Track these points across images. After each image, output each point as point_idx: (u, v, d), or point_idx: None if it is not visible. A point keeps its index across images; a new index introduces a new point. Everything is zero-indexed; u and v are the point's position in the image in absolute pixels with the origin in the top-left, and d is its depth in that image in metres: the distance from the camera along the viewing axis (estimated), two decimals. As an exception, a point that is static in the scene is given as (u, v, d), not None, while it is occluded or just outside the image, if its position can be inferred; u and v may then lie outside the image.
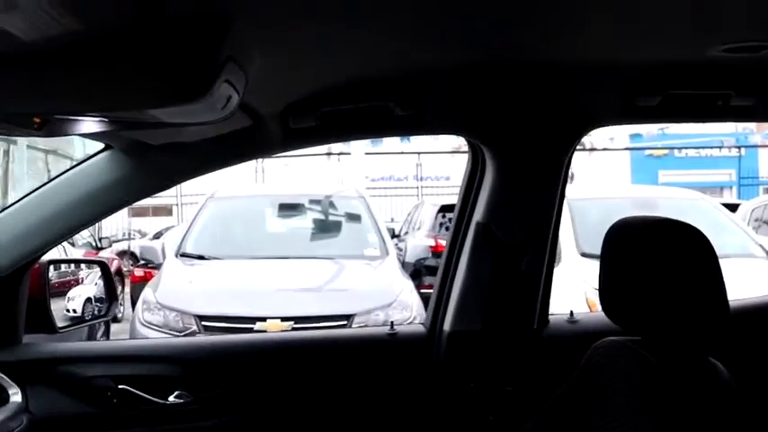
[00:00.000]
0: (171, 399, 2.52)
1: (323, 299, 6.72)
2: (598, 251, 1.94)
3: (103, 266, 2.99)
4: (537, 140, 2.50)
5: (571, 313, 2.74)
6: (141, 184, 2.43)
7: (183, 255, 7.62)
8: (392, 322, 2.78)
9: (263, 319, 6.21)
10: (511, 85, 2.39)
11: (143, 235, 23.33)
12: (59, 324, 2.67)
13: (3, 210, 2.44)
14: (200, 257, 7.58)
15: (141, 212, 26.66)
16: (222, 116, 1.64)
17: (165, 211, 27.34)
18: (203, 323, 6.29)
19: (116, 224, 25.18)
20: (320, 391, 2.61)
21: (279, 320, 6.19)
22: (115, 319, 11.72)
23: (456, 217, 2.69)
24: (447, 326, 2.62)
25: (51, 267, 2.75)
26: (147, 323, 6.49)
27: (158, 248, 8.16)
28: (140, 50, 1.37)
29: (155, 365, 2.57)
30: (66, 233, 2.45)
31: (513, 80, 2.36)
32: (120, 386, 2.51)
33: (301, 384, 2.61)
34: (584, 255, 7.20)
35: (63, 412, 2.50)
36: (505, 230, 2.54)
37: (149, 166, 2.38)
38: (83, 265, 4.65)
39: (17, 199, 2.44)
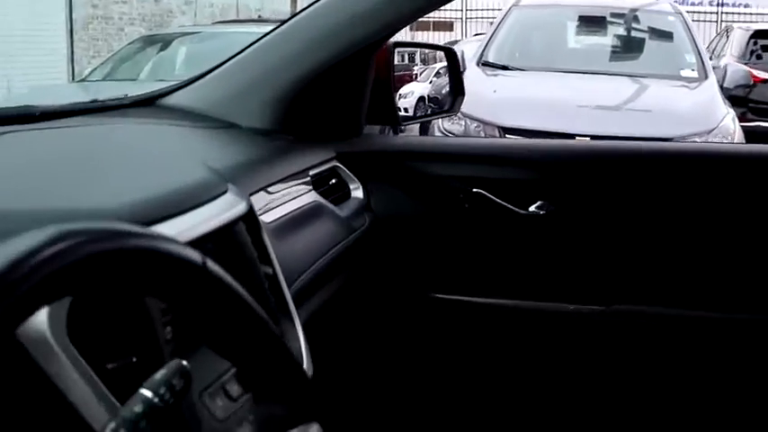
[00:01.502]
0: (531, 208, 2.17)
1: (637, 119, 6.08)
2: None
3: (450, 53, 2.61)
4: None
5: None
6: None
7: (485, 64, 7.19)
8: None
9: (572, 137, 5.73)
10: None
11: (424, 49, 23.30)
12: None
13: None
14: (504, 68, 7.13)
15: (423, 26, 26.62)
16: None
17: (447, 26, 27.13)
18: (507, 136, 5.91)
19: (397, 37, 25.37)
20: (694, 209, 2.16)
21: (589, 139, 5.71)
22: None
23: None
24: None
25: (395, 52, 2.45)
26: (446, 131, 6.18)
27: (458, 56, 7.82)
28: None
29: (514, 169, 2.20)
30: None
31: None
32: (474, 189, 2.19)
33: (676, 197, 2.17)
34: None
35: (408, 212, 2.20)
36: None
37: None
38: (417, 62, 4.34)
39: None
